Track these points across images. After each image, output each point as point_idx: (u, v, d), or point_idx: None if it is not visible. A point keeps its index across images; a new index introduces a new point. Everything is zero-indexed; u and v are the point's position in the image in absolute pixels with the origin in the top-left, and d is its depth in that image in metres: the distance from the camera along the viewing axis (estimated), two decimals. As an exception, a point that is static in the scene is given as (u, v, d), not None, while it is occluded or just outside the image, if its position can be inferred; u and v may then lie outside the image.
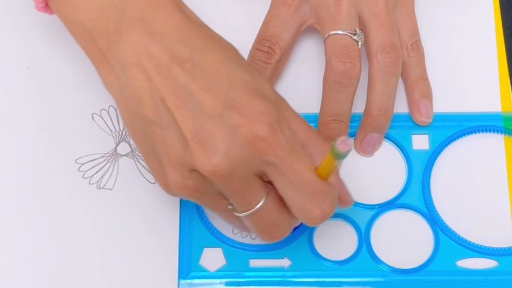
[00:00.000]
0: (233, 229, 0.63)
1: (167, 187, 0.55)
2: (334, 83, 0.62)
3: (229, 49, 0.55)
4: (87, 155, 0.64)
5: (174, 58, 0.52)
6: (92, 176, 0.64)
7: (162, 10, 0.54)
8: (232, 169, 0.51)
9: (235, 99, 0.52)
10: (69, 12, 0.56)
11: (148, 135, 0.54)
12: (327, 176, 0.54)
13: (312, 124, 0.64)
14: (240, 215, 0.55)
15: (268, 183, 0.54)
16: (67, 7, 0.56)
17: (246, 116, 0.51)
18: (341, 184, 0.57)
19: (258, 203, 0.54)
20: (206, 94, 0.52)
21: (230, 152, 0.51)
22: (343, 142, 0.49)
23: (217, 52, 0.53)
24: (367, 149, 0.64)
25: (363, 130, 0.64)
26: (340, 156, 0.50)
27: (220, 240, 0.62)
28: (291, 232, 0.57)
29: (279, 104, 0.54)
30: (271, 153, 0.52)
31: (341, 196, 0.57)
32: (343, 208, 0.58)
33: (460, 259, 0.62)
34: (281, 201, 0.54)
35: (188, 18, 0.54)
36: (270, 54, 0.64)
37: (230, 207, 0.55)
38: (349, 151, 0.49)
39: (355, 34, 0.62)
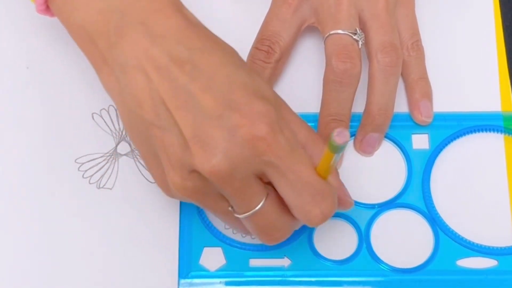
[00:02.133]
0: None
1: (167, 189, 0.55)
2: (334, 83, 0.62)
3: (229, 51, 0.55)
4: (87, 155, 0.64)
5: (173, 60, 0.52)
6: (92, 175, 0.64)
7: (163, 12, 0.54)
8: (232, 169, 0.51)
9: (235, 100, 0.52)
10: (70, 14, 0.56)
11: (148, 137, 0.54)
12: (326, 174, 0.53)
13: (312, 124, 0.64)
14: (240, 216, 0.54)
15: (268, 184, 0.54)
16: (68, 9, 0.56)
17: (246, 117, 0.51)
18: (341, 186, 0.57)
19: (258, 204, 0.54)
20: (205, 95, 0.52)
21: (230, 153, 0.51)
22: (339, 134, 0.48)
23: (217, 54, 0.53)
24: (367, 149, 0.64)
25: (363, 130, 0.64)
26: (337, 149, 0.50)
27: (220, 239, 0.62)
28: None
29: (279, 105, 0.55)
30: (271, 153, 0.52)
31: (341, 197, 0.57)
32: (343, 210, 0.58)
33: (460, 259, 0.62)
34: (281, 202, 0.54)
35: (188, 21, 0.55)
36: (270, 54, 0.64)
37: (230, 208, 0.55)
38: (345, 142, 0.48)
39: (356, 34, 0.62)
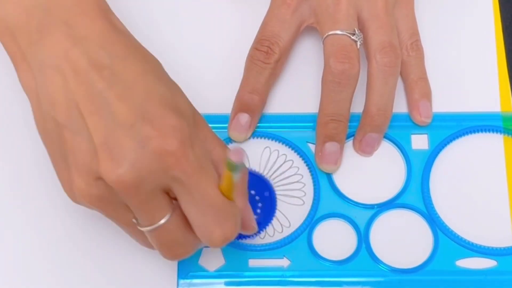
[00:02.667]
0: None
1: (72, 194, 0.54)
2: (333, 83, 0.62)
3: (152, 62, 0.54)
4: (86, 155, 0.64)
5: (93, 64, 0.52)
6: (91, 176, 0.64)
7: (88, 15, 0.53)
8: (138, 181, 0.50)
9: (149, 111, 0.51)
10: None
11: (59, 139, 0.53)
12: (230, 194, 0.53)
13: (310, 124, 0.64)
14: (143, 229, 0.54)
15: (175, 199, 0.53)
16: None
17: (158, 129, 0.50)
18: (247, 209, 0.56)
19: (162, 219, 0.53)
20: (120, 103, 0.51)
21: (138, 164, 0.50)
22: (235, 152, 0.47)
23: (139, 63, 0.53)
24: (366, 149, 0.64)
25: (362, 130, 0.64)
26: (233, 168, 0.49)
27: (219, 239, 0.62)
28: None
29: (197, 121, 0.54)
30: (179, 168, 0.51)
31: (245, 221, 0.56)
32: (246, 233, 0.58)
33: (459, 259, 0.62)
34: (186, 220, 0.53)
35: (113, 27, 0.54)
36: (269, 54, 0.64)
37: (134, 221, 0.54)
38: (241, 162, 0.47)
39: (354, 34, 0.62)
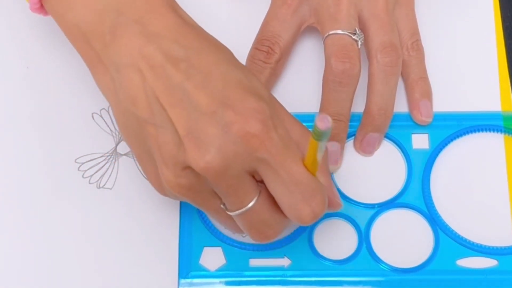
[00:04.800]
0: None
1: (160, 187, 0.55)
2: (334, 83, 0.62)
3: (224, 51, 0.55)
4: (87, 155, 0.64)
5: (168, 58, 0.53)
6: (91, 175, 0.64)
7: (158, 12, 0.54)
8: (226, 165, 0.51)
9: (229, 97, 0.52)
10: (64, 13, 0.56)
11: (142, 135, 0.54)
12: (314, 166, 0.53)
13: (310, 123, 0.64)
14: (232, 213, 0.54)
15: (261, 182, 0.54)
16: (63, 8, 0.56)
17: (239, 114, 0.51)
18: (331, 186, 0.57)
19: (250, 202, 0.54)
20: (200, 93, 0.52)
21: (223, 149, 0.51)
22: (322, 119, 0.47)
23: (212, 53, 0.54)
24: (367, 149, 0.64)
25: (363, 130, 0.64)
26: (320, 135, 0.49)
27: (220, 239, 0.62)
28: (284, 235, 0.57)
29: (273, 103, 0.55)
30: (264, 149, 0.52)
31: (331, 198, 0.56)
32: (332, 211, 0.58)
33: (460, 258, 0.62)
34: (274, 200, 0.54)
35: (183, 20, 0.55)
36: (270, 54, 0.64)
37: (222, 206, 0.55)
38: (328, 128, 0.48)
39: (355, 34, 0.62)
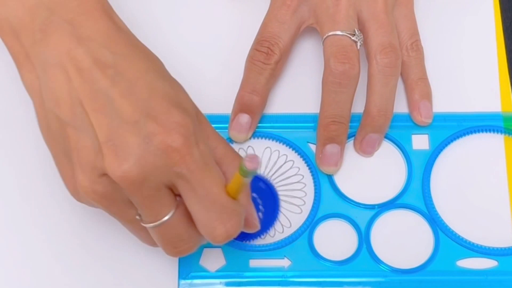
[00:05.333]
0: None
1: (75, 192, 0.54)
2: (333, 84, 0.62)
3: (154, 60, 0.55)
4: (87, 156, 0.64)
5: (97, 62, 0.52)
6: (92, 176, 0.64)
7: (91, 15, 0.54)
8: (143, 176, 0.51)
9: (153, 108, 0.51)
10: None
11: (62, 137, 0.53)
12: (236, 195, 0.53)
13: (311, 125, 0.64)
14: (147, 225, 0.54)
15: (179, 196, 0.53)
16: None
17: (162, 125, 0.51)
18: (250, 207, 0.56)
19: (166, 215, 0.53)
20: (124, 100, 0.51)
21: (142, 160, 0.50)
22: (251, 159, 0.48)
23: (141, 61, 0.53)
24: (367, 150, 0.64)
25: (363, 131, 0.64)
26: (247, 174, 0.49)
27: (220, 240, 0.62)
28: None
29: (200, 119, 0.54)
30: (183, 165, 0.51)
31: (248, 219, 0.56)
32: (248, 231, 0.58)
33: (460, 259, 0.62)
34: (190, 216, 0.53)
35: (116, 26, 0.54)
36: (269, 55, 0.64)
37: (137, 217, 0.54)
38: (256, 169, 0.48)
39: (354, 35, 0.62)
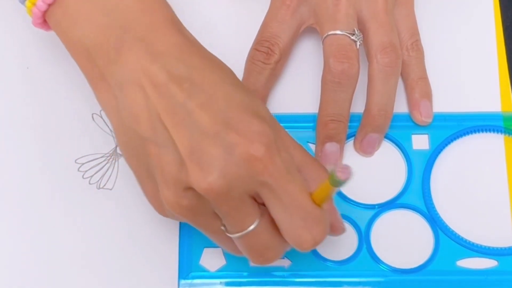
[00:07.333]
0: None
1: (160, 207, 0.55)
2: (332, 83, 0.62)
3: (227, 71, 0.55)
4: (87, 155, 0.64)
5: (172, 77, 0.52)
6: (92, 176, 0.64)
7: (162, 30, 0.54)
8: (228, 187, 0.51)
9: (232, 118, 0.51)
10: (68, 29, 0.56)
11: (143, 154, 0.53)
12: (322, 202, 0.53)
13: (310, 124, 0.64)
14: (232, 236, 0.54)
15: (262, 205, 0.53)
16: (67, 23, 0.56)
17: (243, 136, 0.51)
18: (335, 211, 0.57)
19: (251, 225, 0.53)
20: (203, 113, 0.51)
21: (226, 171, 0.51)
22: (343, 170, 0.48)
23: (216, 72, 0.53)
24: (367, 149, 0.64)
25: (363, 130, 0.64)
26: (338, 184, 0.49)
27: (220, 240, 0.62)
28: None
29: (276, 126, 0.54)
30: (267, 173, 0.51)
31: (334, 223, 0.56)
32: (334, 236, 0.58)
33: (460, 259, 0.62)
34: (274, 224, 0.54)
35: (187, 40, 0.54)
36: (269, 55, 0.64)
37: (222, 228, 0.54)
38: (347, 180, 0.48)
39: (354, 34, 0.62)
